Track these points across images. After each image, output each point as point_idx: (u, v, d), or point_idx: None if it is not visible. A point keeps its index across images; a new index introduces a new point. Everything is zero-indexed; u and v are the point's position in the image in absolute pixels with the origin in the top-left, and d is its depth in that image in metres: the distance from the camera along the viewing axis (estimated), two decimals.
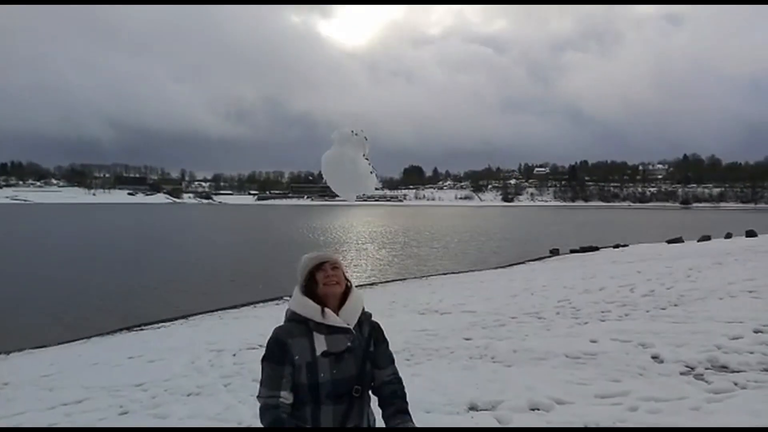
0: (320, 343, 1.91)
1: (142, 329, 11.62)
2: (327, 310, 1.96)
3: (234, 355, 7.00)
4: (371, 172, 2.28)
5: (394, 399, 1.99)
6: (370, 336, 2.03)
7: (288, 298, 2.25)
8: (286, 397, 1.86)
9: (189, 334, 10.01)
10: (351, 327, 1.98)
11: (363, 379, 1.94)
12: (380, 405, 1.99)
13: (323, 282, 2.01)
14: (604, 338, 5.62)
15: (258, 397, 1.91)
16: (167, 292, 16.85)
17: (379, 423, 2.00)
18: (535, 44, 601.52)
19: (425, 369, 5.15)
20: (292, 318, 1.99)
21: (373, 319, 2.11)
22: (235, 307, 14.04)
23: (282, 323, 2.00)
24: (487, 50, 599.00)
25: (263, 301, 14.80)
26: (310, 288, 2.03)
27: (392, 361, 2.08)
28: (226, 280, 19.41)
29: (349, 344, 1.93)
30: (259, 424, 1.89)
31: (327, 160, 2.25)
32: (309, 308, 1.97)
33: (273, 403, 1.85)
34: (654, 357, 4.76)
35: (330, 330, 1.93)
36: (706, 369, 4.32)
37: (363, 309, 2.07)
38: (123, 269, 22.20)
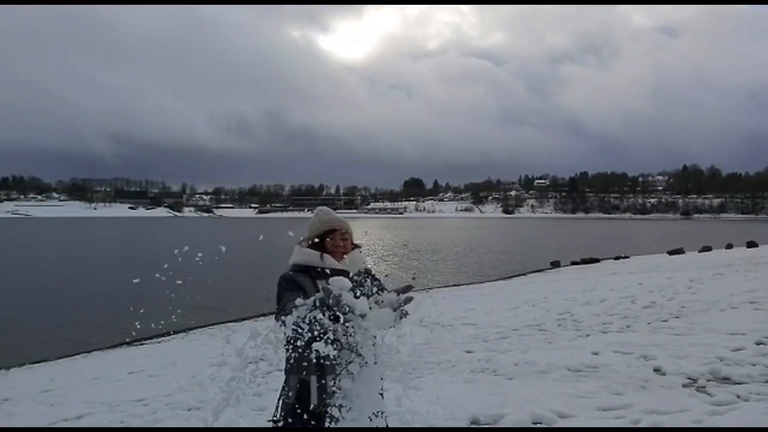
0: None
1: (142, 344, 11.59)
2: (326, 255, 2.04)
3: None
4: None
5: None
6: (370, 283, 2.05)
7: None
8: None
9: (190, 348, 9.98)
10: (351, 273, 2.04)
11: None
12: None
13: (330, 248, 2.08)
14: (605, 350, 5.60)
15: (279, 311, 1.90)
16: (168, 306, 16.76)
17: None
18: (533, 57, 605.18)
19: (427, 382, 5.13)
20: (294, 269, 2.08)
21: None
22: (235, 320, 14.02)
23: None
24: (485, 63, 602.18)
25: (264, 315, 14.75)
26: (314, 246, 2.10)
27: None
28: (226, 294, 19.34)
29: None
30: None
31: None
32: (308, 255, 2.06)
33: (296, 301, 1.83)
34: (656, 369, 4.75)
35: (330, 275, 1.96)
36: (708, 381, 4.31)
37: (365, 266, 2.14)
38: (123, 283, 22.13)
